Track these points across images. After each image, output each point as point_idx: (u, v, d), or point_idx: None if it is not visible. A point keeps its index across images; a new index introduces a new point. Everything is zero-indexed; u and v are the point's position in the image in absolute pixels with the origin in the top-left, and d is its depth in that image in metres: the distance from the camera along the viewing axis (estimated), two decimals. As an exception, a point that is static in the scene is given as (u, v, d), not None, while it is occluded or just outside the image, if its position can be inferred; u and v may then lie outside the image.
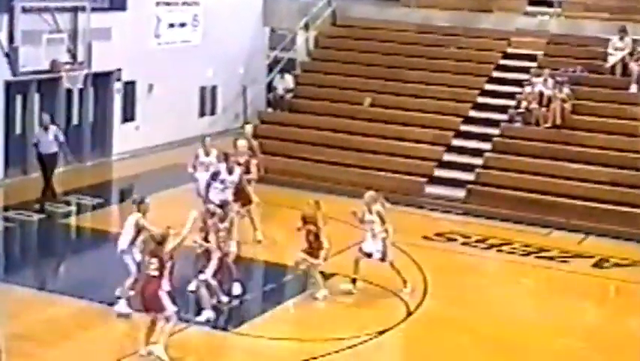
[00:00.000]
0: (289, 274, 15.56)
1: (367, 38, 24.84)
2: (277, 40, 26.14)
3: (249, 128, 18.37)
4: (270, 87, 24.83)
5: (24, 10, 18.73)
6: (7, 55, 18.52)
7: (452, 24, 24.61)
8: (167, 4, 23.70)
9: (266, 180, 19.05)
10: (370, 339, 12.98)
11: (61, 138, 18.63)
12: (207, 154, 17.29)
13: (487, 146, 21.15)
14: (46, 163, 18.46)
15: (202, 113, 25.40)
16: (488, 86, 22.80)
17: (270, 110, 24.47)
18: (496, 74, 23.08)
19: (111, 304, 13.61)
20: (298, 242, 16.96)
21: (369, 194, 14.76)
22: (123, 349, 12.34)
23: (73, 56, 19.96)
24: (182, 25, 24.27)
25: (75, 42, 20.10)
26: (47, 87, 20.46)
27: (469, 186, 20.24)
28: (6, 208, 17.96)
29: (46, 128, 18.43)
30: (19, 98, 20.12)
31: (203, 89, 25.31)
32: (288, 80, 24.09)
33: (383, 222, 14.48)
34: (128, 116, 22.87)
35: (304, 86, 24.14)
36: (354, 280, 14.66)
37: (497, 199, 19.64)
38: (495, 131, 21.46)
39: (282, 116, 23.61)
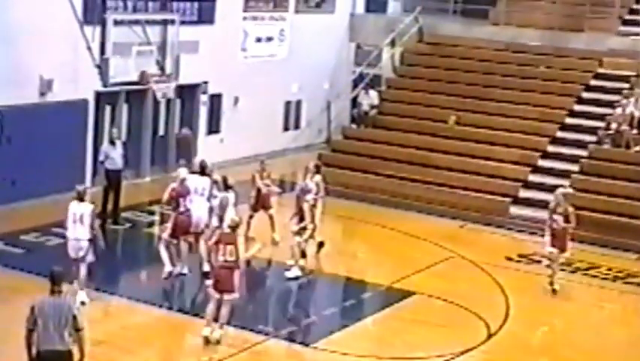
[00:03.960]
0: (369, 290, 15.44)
1: (454, 56, 24.62)
2: (363, 56, 26.12)
3: None
4: (355, 103, 24.79)
5: (116, 22, 19.04)
6: (98, 66, 18.82)
7: (542, 43, 24.21)
8: (255, 18, 23.90)
9: (348, 195, 19.00)
10: (449, 360, 12.74)
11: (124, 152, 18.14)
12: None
13: (574, 167, 20.69)
14: (113, 180, 17.74)
15: (286, 128, 25.50)
16: (577, 107, 22.34)
17: (354, 125, 24.41)
18: (586, 95, 22.61)
19: (194, 314, 13.67)
20: (379, 258, 16.85)
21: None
22: (201, 358, 12.36)
23: (162, 68, 20.19)
24: (269, 39, 24.43)
25: (164, 54, 20.33)
26: (135, 98, 20.80)
27: (555, 207, 19.78)
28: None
29: (113, 143, 17.93)
30: (108, 109, 20.49)
31: (287, 104, 25.43)
32: (373, 97, 24.01)
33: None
34: (213, 128, 23.10)
35: (389, 103, 24.02)
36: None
37: (584, 222, 19.01)
38: (583, 152, 21.00)
39: (366, 132, 23.52)
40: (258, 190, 17.17)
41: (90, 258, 13.51)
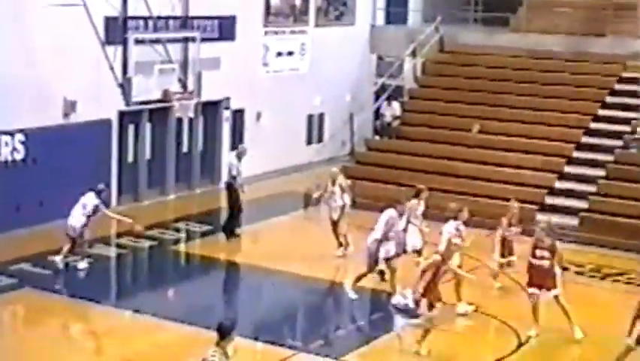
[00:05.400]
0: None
1: (476, 64, 24.55)
2: (384, 68, 26.11)
3: None
4: (377, 114, 24.77)
5: (137, 41, 19.16)
6: (121, 85, 18.94)
7: (564, 49, 24.08)
8: (275, 33, 23.98)
9: (373, 207, 18.90)
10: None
11: None
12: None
13: (601, 173, 20.55)
14: (234, 193, 18.36)
15: (309, 141, 25.52)
16: (602, 112, 22.20)
17: (377, 137, 24.38)
18: (610, 99, 22.46)
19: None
20: (404, 270, 16.75)
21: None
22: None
23: (184, 86, 20.30)
24: (290, 53, 24.49)
25: (185, 72, 20.46)
26: (158, 116, 20.87)
27: (582, 213, 19.67)
28: (118, 235, 18.30)
29: (240, 159, 18.48)
30: (131, 128, 20.59)
31: (310, 117, 25.45)
32: (395, 107, 23.99)
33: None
34: (236, 143, 23.11)
35: (411, 113, 23.98)
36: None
37: (612, 228, 19.00)
38: (609, 157, 20.85)
39: (389, 143, 23.49)
40: (504, 238, 15.81)
41: (85, 237, 16.07)
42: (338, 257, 17.24)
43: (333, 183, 17.56)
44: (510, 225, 15.80)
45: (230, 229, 18.40)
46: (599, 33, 24.32)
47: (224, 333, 8.93)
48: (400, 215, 15.44)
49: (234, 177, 18.38)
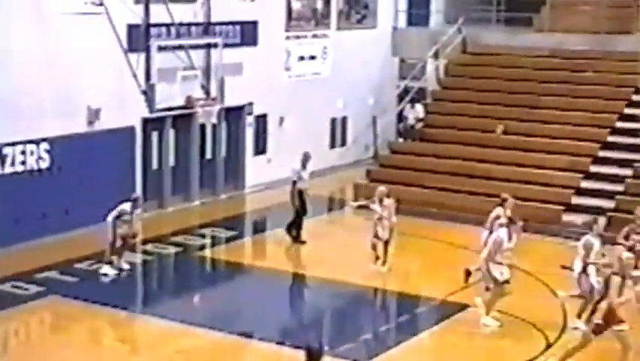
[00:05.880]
0: (423, 304, 15.31)
1: (499, 65, 24.42)
2: (407, 70, 26.04)
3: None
4: (401, 117, 24.70)
5: (160, 48, 19.20)
6: (144, 92, 19.00)
7: (588, 47, 23.89)
8: (297, 37, 23.99)
9: (398, 210, 18.87)
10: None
11: None
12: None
13: (627, 172, 20.35)
14: (304, 200, 18.48)
15: (332, 145, 25.50)
16: (628, 110, 21.99)
17: (400, 140, 24.31)
18: (635, 98, 22.25)
19: (248, 336, 13.64)
20: (432, 272, 16.69)
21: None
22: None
23: (207, 92, 20.33)
24: (312, 57, 24.49)
25: (208, 78, 20.49)
26: (182, 123, 20.92)
27: (610, 214, 19.47)
28: (144, 242, 18.35)
29: (304, 165, 18.68)
30: (155, 135, 20.65)
31: (333, 121, 25.43)
32: (419, 110, 23.91)
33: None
34: (260, 149, 23.16)
35: (435, 115, 23.88)
36: None
37: None
38: (636, 156, 20.64)
39: (412, 145, 23.41)
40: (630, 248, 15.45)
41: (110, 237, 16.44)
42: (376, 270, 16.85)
43: (381, 202, 16.78)
44: (638, 233, 15.47)
45: (294, 235, 18.35)
46: (624, 31, 24.11)
47: (315, 358, 8.45)
48: (510, 236, 14.57)
49: (294, 182, 18.47)
